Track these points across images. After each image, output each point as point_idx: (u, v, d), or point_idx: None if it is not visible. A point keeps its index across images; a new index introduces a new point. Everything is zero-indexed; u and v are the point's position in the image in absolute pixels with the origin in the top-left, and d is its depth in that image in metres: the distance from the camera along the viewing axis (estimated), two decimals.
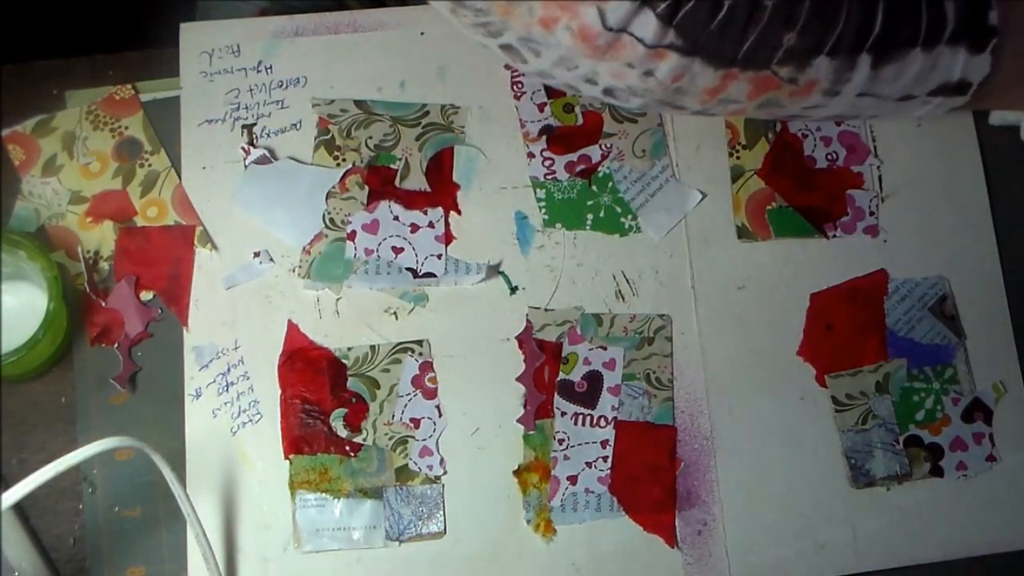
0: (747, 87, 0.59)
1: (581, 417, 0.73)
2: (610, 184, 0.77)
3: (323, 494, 0.71)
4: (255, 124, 0.76)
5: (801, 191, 0.78)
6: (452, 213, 0.76)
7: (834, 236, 0.77)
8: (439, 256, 0.75)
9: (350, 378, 0.73)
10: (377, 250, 0.75)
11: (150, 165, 0.75)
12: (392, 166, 0.76)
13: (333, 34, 0.78)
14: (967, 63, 0.60)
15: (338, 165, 0.76)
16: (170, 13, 0.81)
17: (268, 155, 0.76)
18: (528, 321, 0.74)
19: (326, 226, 0.75)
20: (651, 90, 0.60)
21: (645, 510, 0.72)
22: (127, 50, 0.78)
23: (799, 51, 0.58)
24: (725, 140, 0.78)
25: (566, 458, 0.72)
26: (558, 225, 0.76)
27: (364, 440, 0.72)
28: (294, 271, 0.74)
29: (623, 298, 0.75)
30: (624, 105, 0.63)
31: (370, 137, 0.77)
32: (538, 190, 0.77)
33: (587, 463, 0.72)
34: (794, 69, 0.58)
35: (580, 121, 0.78)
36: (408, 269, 0.75)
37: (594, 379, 0.74)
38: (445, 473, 0.72)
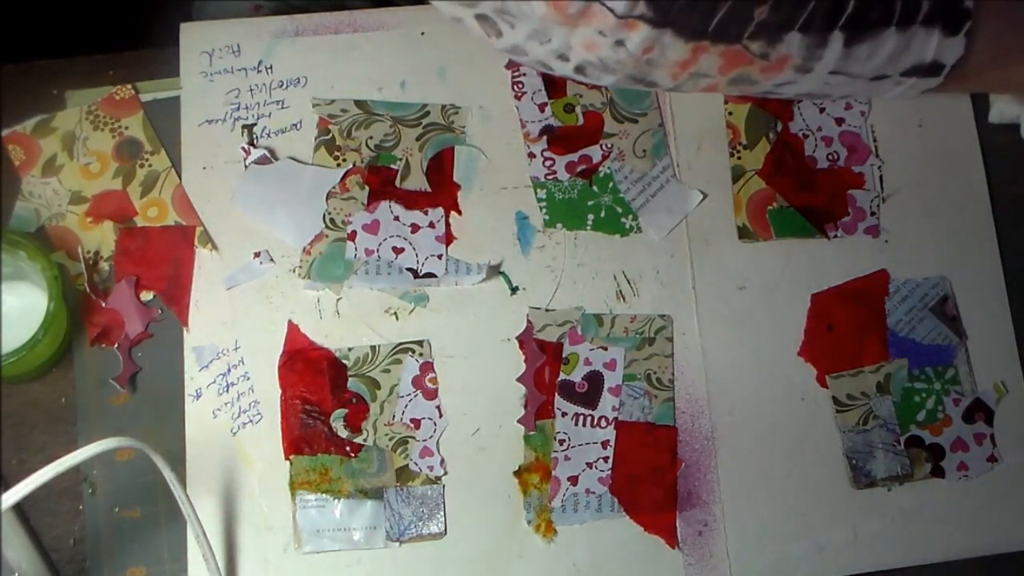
0: (718, 61, 0.59)
1: (582, 417, 0.73)
2: (611, 184, 0.77)
3: (323, 495, 0.71)
4: (255, 124, 0.76)
5: (802, 191, 0.78)
6: (452, 213, 0.76)
7: (835, 236, 0.77)
8: (440, 256, 0.75)
9: (350, 378, 0.73)
10: (377, 250, 0.75)
11: (150, 165, 0.75)
12: (392, 166, 0.76)
13: (333, 34, 0.78)
14: (941, 45, 0.60)
15: (338, 165, 0.76)
16: (170, 13, 0.80)
17: (268, 155, 0.76)
18: (529, 321, 0.74)
19: (326, 226, 0.75)
20: (623, 62, 0.60)
21: (646, 511, 0.72)
22: (127, 50, 0.78)
23: (770, 26, 0.58)
24: (726, 140, 0.78)
25: (567, 459, 0.72)
26: (559, 225, 0.76)
27: (364, 441, 0.72)
28: (294, 271, 0.74)
29: (624, 298, 0.75)
30: (597, 83, 0.63)
31: (370, 137, 0.77)
32: (539, 190, 0.77)
33: (588, 464, 0.72)
34: (765, 44, 0.58)
35: (581, 121, 0.78)
36: (408, 269, 0.74)
37: (595, 379, 0.74)
38: (446, 474, 0.72)
